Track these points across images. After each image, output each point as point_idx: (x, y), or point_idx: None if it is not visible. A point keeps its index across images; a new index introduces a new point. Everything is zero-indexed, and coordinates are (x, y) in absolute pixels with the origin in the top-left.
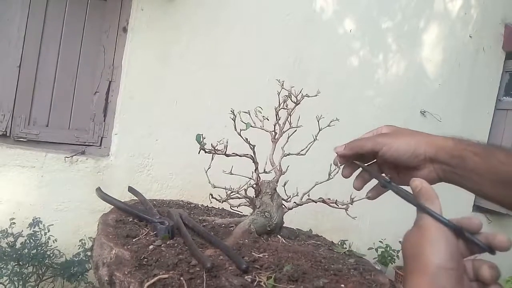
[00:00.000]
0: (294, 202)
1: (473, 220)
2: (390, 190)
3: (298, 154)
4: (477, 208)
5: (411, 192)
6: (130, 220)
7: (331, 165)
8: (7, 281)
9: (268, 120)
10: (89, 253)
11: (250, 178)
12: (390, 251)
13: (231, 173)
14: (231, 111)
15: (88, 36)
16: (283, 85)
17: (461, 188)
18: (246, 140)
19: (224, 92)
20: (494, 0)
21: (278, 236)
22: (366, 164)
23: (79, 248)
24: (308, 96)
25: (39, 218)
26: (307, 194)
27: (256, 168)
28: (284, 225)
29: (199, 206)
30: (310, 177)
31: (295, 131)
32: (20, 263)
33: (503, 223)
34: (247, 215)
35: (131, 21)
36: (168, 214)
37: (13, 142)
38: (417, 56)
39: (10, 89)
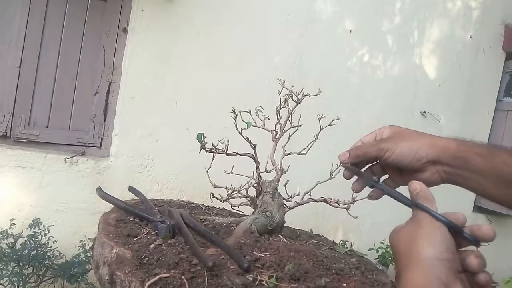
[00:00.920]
0: (295, 201)
1: (458, 214)
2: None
3: (299, 153)
4: (477, 208)
5: (403, 193)
6: (130, 219)
7: (332, 164)
8: (7, 282)
9: (269, 119)
10: (89, 254)
11: (251, 178)
12: (390, 251)
13: (232, 173)
14: (232, 110)
15: (88, 36)
16: (284, 84)
17: (465, 189)
18: (247, 139)
19: (224, 93)
20: (494, 1)
21: (280, 235)
22: (367, 166)
23: (79, 249)
24: (309, 95)
25: (39, 219)
26: (308, 193)
27: (257, 168)
28: (284, 225)
29: (200, 205)
30: (311, 176)
31: (296, 130)
32: (20, 264)
33: (503, 224)
34: (248, 215)
35: (131, 22)
36: (169, 214)
37: (13, 143)
38: (417, 56)
39: (10, 90)
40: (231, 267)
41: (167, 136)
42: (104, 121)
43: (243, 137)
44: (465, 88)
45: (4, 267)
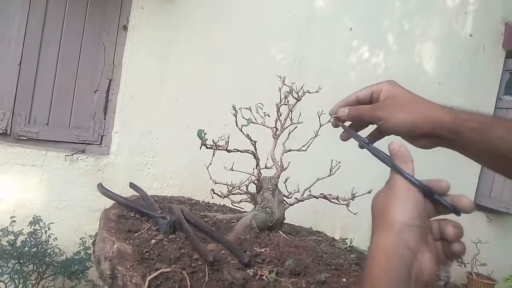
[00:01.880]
0: (295, 198)
1: (442, 182)
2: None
3: (299, 150)
4: (477, 207)
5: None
6: (131, 215)
7: (332, 161)
8: (8, 279)
9: (269, 116)
10: (89, 251)
11: (251, 174)
12: None
13: (232, 169)
14: (232, 107)
15: (88, 34)
16: (284, 81)
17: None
18: (248, 136)
19: (224, 90)
20: None
21: (280, 231)
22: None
23: (80, 246)
24: (309, 92)
25: (40, 216)
26: (308, 190)
27: (257, 164)
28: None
29: (200, 202)
30: (311, 173)
31: (296, 127)
32: (21, 261)
33: (502, 222)
34: (248, 211)
35: (132, 19)
36: (169, 210)
37: (13, 141)
38: (417, 54)
39: (11, 87)
40: (232, 262)
41: (168, 134)
42: (105, 119)
43: (244, 134)
44: (465, 86)
45: (5, 264)
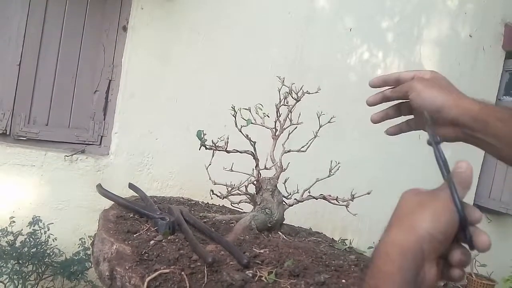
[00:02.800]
0: (295, 198)
1: (476, 213)
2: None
3: (298, 151)
4: (476, 207)
5: (448, 166)
6: (130, 216)
7: (331, 162)
8: (7, 280)
9: (268, 117)
10: (88, 252)
11: (251, 175)
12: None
13: (231, 170)
14: (231, 107)
15: (88, 34)
16: (283, 81)
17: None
18: (247, 136)
19: (224, 91)
20: (494, 0)
21: (279, 232)
22: (399, 101)
23: (79, 246)
24: (309, 93)
25: (39, 216)
26: (307, 190)
27: (257, 165)
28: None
29: (200, 203)
30: (311, 174)
31: (296, 128)
32: (20, 261)
33: (502, 222)
34: (247, 212)
35: (131, 20)
36: (169, 210)
37: (13, 141)
38: (416, 55)
39: (10, 88)
40: (231, 263)
41: (167, 134)
42: (104, 119)
43: (243, 134)
44: (465, 87)
45: (4, 265)
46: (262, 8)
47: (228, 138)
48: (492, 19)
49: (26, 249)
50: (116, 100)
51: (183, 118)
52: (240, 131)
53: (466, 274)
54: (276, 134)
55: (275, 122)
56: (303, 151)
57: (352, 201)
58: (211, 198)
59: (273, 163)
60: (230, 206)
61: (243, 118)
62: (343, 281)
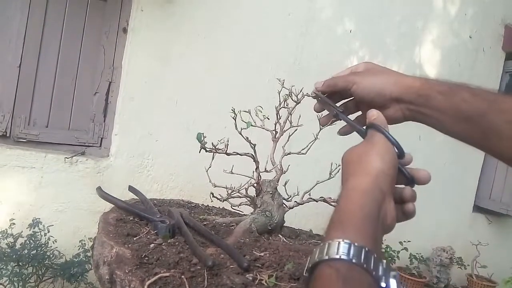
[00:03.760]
0: (295, 201)
1: (407, 155)
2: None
3: (299, 153)
4: (477, 208)
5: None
6: (130, 219)
7: (331, 164)
8: (7, 282)
9: (268, 119)
10: (89, 254)
11: (251, 177)
12: (391, 252)
13: (231, 173)
14: (231, 110)
15: (88, 36)
16: (283, 84)
17: (427, 126)
18: (247, 139)
19: (224, 92)
20: (494, 1)
21: (279, 235)
22: (344, 101)
23: (79, 248)
24: (309, 95)
25: (39, 218)
26: (308, 193)
27: (257, 167)
28: (284, 225)
29: (200, 205)
30: (311, 176)
31: (296, 130)
32: (20, 263)
33: (502, 224)
34: (248, 215)
35: (131, 22)
36: (168, 213)
37: (13, 143)
38: (416, 56)
39: (10, 90)
40: (231, 266)
41: (167, 136)
42: (104, 121)
43: (243, 137)
44: None
45: (4, 267)
46: (262, 9)
47: (228, 141)
48: (492, 20)
49: (26, 251)
50: (116, 102)
51: (183, 119)
52: (240, 134)
53: (467, 276)
54: (276, 137)
55: (275, 125)
56: (303, 154)
57: None
58: (211, 201)
59: (273, 165)
60: (230, 209)
61: (243, 121)
62: None
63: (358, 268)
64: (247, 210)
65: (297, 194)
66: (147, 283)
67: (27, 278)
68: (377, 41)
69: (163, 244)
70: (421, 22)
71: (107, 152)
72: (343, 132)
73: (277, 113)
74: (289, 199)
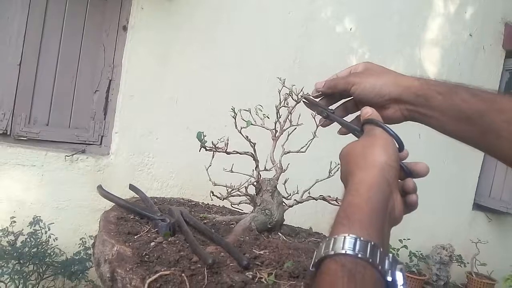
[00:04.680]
0: (295, 199)
1: (404, 150)
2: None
3: (298, 151)
4: (477, 206)
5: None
6: (131, 217)
7: (331, 163)
8: (8, 280)
9: (268, 118)
10: (89, 252)
11: (251, 176)
12: (390, 250)
13: (231, 171)
14: (231, 109)
15: (88, 34)
16: (284, 83)
17: (426, 126)
18: (247, 138)
19: (224, 91)
20: None
21: (279, 233)
22: (343, 101)
23: (80, 246)
24: (309, 95)
25: (40, 216)
26: (307, 191)
27: (257, 166)
28: (284, 223)
29: (200, 204)
30: (311, 175)
31: (295, 129)
32: (21, 261)
33: (502, 222)
34: (247, 213)
35: (131, 20)
36: (169, 212)
37: (13, 141)
38: (417, 55)
39: (11, 88)
40: (231, 264)
41: (167, 134)
42: (104, 119)
43: (243, 135)
44: None
45: (5, 265)
46: (262, 8)
47: (228, 140)
48: (492, 18)
49: (27, 249)
50: (116, 100)
51: (183, 117)
52: (240, 133)
53: (467, 273)
54: (276, 136)
55: (275, 124)
56: (302, 152)
57: None
58: (211, 199)
59: (273, 164)
60: (230, 207)
61: (243, 120)
62: None
63: (364, 262)
64: (247, 208)
65: (297, 193)
66: (148, 281)
67: (28, 276)
68: (378, 40)
69: (164, 242)
70: (420, 20)
71: (108, 150)
72: (343, 132)
73: (277, 112)
74: (288, 198)
